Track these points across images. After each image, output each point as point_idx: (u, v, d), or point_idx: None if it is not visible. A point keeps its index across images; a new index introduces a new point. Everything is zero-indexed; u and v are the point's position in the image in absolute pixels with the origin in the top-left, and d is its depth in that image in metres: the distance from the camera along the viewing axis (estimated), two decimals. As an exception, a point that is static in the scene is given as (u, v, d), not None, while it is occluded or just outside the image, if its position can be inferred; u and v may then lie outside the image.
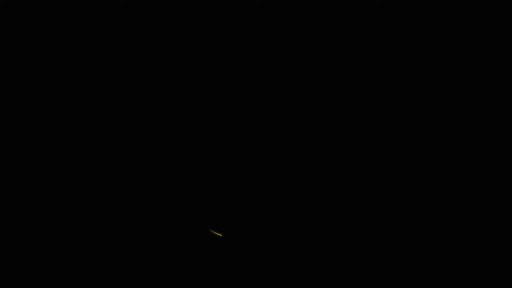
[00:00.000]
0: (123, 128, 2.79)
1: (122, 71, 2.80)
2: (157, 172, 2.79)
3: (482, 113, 2.74)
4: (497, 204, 2.68)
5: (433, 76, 2.76)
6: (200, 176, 2.79)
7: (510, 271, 2.60)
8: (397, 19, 2.76)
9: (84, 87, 2.80)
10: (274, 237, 2.74)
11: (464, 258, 2.65)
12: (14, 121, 2.77)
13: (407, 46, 2.77)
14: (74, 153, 2.78)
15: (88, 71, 2.80)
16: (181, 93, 2.81)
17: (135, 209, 2.77)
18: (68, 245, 2.71)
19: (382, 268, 2.67)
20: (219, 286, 2.69)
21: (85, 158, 2.78)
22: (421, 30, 2.76)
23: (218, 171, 2.79)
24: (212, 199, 2.79)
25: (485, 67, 2.75)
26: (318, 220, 2.75)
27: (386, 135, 2.76)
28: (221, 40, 2.80)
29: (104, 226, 2.74)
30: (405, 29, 2.76)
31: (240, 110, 2.80)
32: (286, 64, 2.79)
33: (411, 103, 2.77)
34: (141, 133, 2.80)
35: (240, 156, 2.79)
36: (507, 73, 2.73)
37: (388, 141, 2.76)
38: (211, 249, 2.74)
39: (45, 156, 2.76)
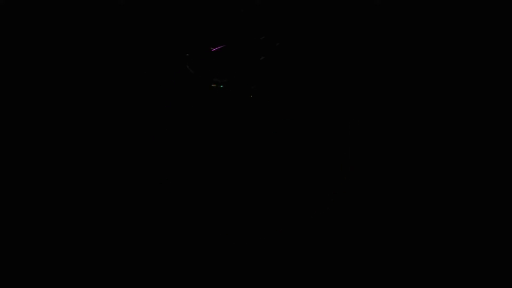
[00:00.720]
0: (122, 128, 2.79)
1: (122, 71, 2.81)
2: (156, 171, 2.80)
3: (482, 113, 2.74)
4: (497, 204, 2.69)
5: (433, 76, 2.77)
6: (200, 176, 2.80)
7: (510, 271, 2.60)
8: (397, 19, 2.76)
9: (84, 87, 2.80)
10: (273, 237, 2.75)
11: (464, 258, 2.65)
12: (14, 121, 2.77)
13: (407, 46, 2.77)
14: (74, 153, 2.78)
15: (88, 71, 2.80)
16: (181, 93, 2.81)
17: (135, 209, 2.77)
18: (68, 245, 2.71)
19: (382, 268, 2.68)
20: (219, 286, 2.69)
21: (85, 158, 2.78)
22: (421, 30, 2.76)
23: (218, 170, 2.80)
24: (212, 199, 2.79)
25: (485, 67, 2.75)
26: (318, 220, 2.76)
27: (386, 134, 2.77)
28: (221, 40, 2.80)
29: (104, 226, 2.74)
30: (405, 29, 2.76)
31: (239, 110, 2.80)
32: (285, 64, 2.79)
33: (411, 103, 2.77)
34: (141, 133, 2.80)
35: (239, 156, 2.79)
36: (507, 73, 2.74)
37: (387, 141, 2.77)
38: (211, 249, 2.74)
39: (45, 156, 2.76)
